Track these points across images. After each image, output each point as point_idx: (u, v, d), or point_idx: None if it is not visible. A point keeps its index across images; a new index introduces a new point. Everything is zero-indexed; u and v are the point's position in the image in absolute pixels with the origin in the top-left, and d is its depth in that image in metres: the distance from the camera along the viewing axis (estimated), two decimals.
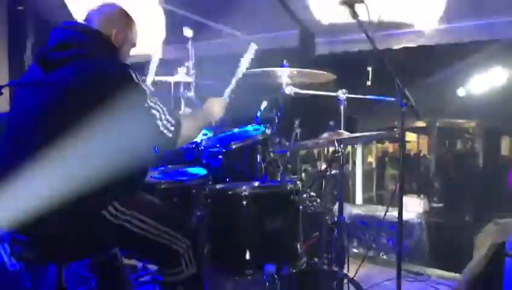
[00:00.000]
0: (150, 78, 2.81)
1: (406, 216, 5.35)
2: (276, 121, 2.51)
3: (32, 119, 1.86)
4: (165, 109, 1.90)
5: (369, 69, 4.32)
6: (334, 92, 2.53)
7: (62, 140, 1.75)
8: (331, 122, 2.21)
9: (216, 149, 2.41)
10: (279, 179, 2.24)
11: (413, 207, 7.95)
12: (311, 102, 2.81)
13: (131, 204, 1.89)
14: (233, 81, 2.34)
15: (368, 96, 2.36)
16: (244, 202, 1.96)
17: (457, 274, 3.85)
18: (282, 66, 2.55)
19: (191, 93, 2.93)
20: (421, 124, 9.65)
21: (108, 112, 1.77)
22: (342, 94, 2.35)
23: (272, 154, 2.38)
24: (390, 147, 11.01)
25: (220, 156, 2.39)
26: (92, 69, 1.84)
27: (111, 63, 1.92)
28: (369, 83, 4.23)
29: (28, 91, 1.94)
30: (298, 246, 1.96)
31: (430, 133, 9.99)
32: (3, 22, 5.81)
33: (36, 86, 1.90)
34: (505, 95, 6.57)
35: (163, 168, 2.63)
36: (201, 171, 2.43)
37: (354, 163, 9.96)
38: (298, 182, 2.06)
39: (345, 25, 4.85)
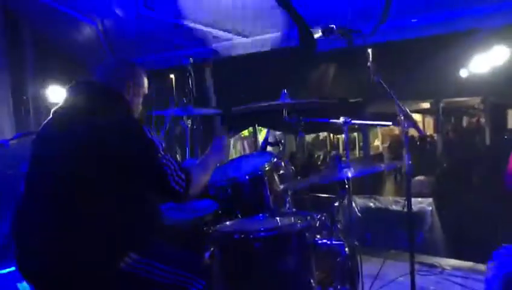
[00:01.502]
0: None
1: (416, 205, 5.39)
2: (281, 148, 2.51)
3: (46, 174, 1.90)
4: (176, 163, 1.92)
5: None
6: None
7: (76, 194, 1.81)
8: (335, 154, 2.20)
9: (224, 182, 2.42)
10: (288, 213, 2.24)
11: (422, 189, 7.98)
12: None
13: (146, 252, 1.93)
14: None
15: (370, 122, 2.35)
16: (255, 246, 1.97)
17: (472, 263, 3.88)
18: (282, 95, 2.52)
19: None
20: (425, 105, 9.63)
21: (121, 168, 1.82)
22: (344, 121, 2.32)
23: (279, 185, 2.38)
24: (396, 129, 11.00)
25: (228, 189, 2.40)
26: (104, 126, 1.87)
27: (123, 120, 1.94)
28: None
29: (43, 145, 1.99)
30: (312, 282, 1.98)
31: (434, 113, 9.96)
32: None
33: (51, 141, 1.95)
34: (507, 72, 6.52)
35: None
36: (211, 205, 2.45)
37: (360, 148, 10.01)
38: (308, 217, 2.07)
39: None
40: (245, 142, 10.80)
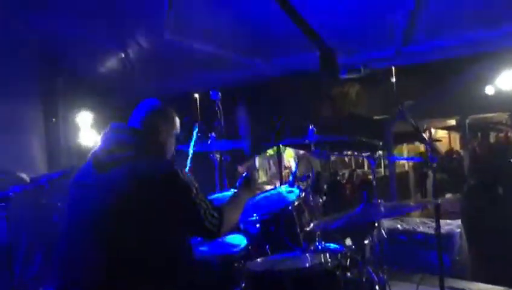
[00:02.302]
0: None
1: (444, 227, 5.30)
2: (310, 182, 2.54)
3: (85, 218, 1.97)
4: (208, 203, 1.97)
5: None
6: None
7: (112, 238, 1.88)
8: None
9: (253, 218, 2.45)
10: (318, 249, 2.24)
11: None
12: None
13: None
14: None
15: (400, 158, 2.34)
16: (286, 285, 1.99)
17: (503, 287, 3.80)
18: (309, 132, 2.55)
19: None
20: (451, 122, 9.53)
21: (156, 211, 1.89)
22: (369, 156, 2.33)
23: (308, 221, 2.40)
24: (421, 146, 10.87)
25: (257, 225, 2.43)
26: (140, 171, 1.93)
27: (158, 165, 2.00)
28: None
29: (82, 191, 2.05)
30: None
31: (461, 130, 9.82)
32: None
33: (89, 187, 2.01)
34: None
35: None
36: (241, 240, 2.47)
37: (386, 166, 9.90)
38: (339, 255, 2.08)
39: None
40: (271, 161, 10.83)
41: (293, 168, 12.54)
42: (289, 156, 11.25)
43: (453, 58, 5.10)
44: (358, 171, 10.41)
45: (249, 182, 2.26)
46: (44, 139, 6.26)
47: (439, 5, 4.24)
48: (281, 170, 10.43)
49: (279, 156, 9.47)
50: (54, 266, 2.06)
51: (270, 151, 10.23)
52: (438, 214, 2.23)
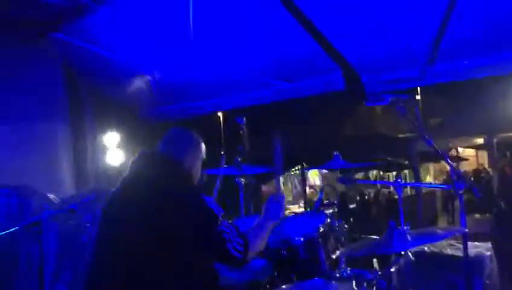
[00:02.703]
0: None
1: (473, 250, 5.17)
2: (335, 209, 2.53)
3: (112, 243, 2.02)
4: (234, 230, 2.00)
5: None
6: None
7: (140, 262, 1.92)
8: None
9: (278, 244, 2.45)
10: (344, 276, 2.23)
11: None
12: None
13: None
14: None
15: (426, 185, 2.32)
16: None
17: None
18: (335, 157, 2.55)
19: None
20: (479, 140, 9.37)
21: (183, 237, 1.93)
22: (396, 182, 2.31)
23: (334, 247, 2.39)
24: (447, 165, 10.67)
25: (282, 251, 2.43)
26: (167, 198, 1.98)
27: (184, 191, 2.04)
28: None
29: (110, 215, 2.11)
30: None
31: (488, 148, 9.64)
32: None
33: (118, 212, 2.07)
34: None
35: None
36: (266, 266, 2.47)
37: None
38: (365, 284, 2.06)
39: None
40: (295, 180, 10.84)
41: (318, 189, 12.53)
42: (314, 174, 11.25)
43: (479, 80, 5.05)
44: (384, 190, 10.31)
45: (275, 208, 2.27)
46: (72, 159, 6.39)
47: (465, 26, 4.20)
48: (305, 188, 10.43)
49: (303, 176, 9.49)
50: (83, 286, 2.11)
51: (294, 171, 10.25)
52: (466, 243, 2.20)
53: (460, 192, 2.24)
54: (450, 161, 2.28)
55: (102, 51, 5.71)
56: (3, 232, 2.35)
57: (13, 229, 2.33)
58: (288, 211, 11.77)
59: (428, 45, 4.49)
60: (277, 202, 2.30)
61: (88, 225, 3.98)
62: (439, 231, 2.12)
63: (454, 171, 2.21)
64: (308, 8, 4.43)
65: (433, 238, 2.15)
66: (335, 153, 2.68)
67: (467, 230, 2.19)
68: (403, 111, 2.20)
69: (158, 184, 2.01)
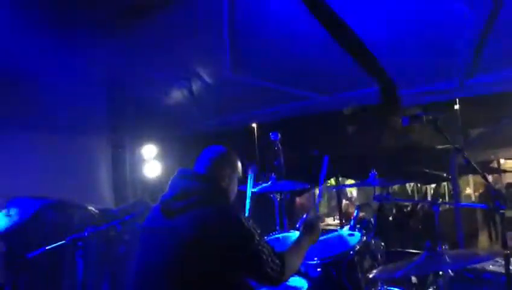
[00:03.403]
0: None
1: None
2: (371, 227, 2.51)
3: (152, 263, 2.08)
4: (271, 249, 2.02)
5: None
6: None
7: (179, 282, 1.97)
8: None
9: (314, 261, 2.45)
10: None
11: None
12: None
13: None
14: None
15: (460, 204, 2.26)
16: None
17: None
18: (370, 175, 2.54)
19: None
20: None
21: (220, 257, 1.96)
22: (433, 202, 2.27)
23: (371, 266, 2.37)
24: (489, 176, 10.34)
25: (318, 269, 2.43)
26: (205, 218, 2.02)
27: (222, 211, 2.08)
28: None
29: (150, 235, 2.18)
30: None
31: None
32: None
33: (158, 231, 2.13)
34: None
35: None
36: (302, 284, 2.47)
37: (450, 198, 9.51)
38: None
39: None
40: (331, 192, 10.76)
41: (354, 201, 12.39)
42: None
43: None
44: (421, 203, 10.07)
45: (312, 228, 2.28)
46: (111, 171, 6.57)
47: (504, 36, 4.11)
48: (340, 200, 10.33)
49: (338, 188, 9.41)
50: None
51: (330, 182, 10.18)
52: (508, 263, 2.14)
53: (502, 211, 2.18)
54: (488, 178, 2.21)
55: (141, 65, 5.87)
56: (50, 247, 2.45)
57: (58, 244, 2.43)
58: (323, 223, 11.69)
59: (468, 56, 4.41)
60: (315, 222, 2.31)
61: (126, 237, 4.07)
62: (479, 253, 2.07)
63: (494, 190, 2.15)
64: (346, 20, 4.45)
65: (472, 261, 2.09)
66: (371, 170, 2.65)
67: (508, 252, 2.13)
68: (439, 130, 2.16)
69: (195, 204, 2.05)
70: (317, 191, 3.22)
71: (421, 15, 4.10)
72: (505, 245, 2.18)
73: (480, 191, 10.13)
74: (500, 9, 3.57)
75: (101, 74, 6.34)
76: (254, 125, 6.67)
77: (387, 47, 4.60)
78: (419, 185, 11.46)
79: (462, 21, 3.90)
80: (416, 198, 10.75)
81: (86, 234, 2.49)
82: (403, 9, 4.12)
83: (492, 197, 2.17)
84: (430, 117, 2.18)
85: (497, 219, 2.25)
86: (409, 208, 9.21)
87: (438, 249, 2.06)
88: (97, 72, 6.23)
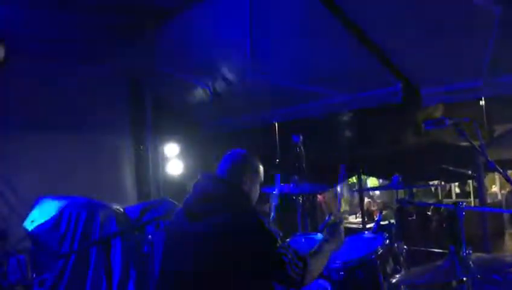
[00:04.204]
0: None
1: None
2: (393, 231, 2.50)
3: (176, 266, 2.12)
4: (293, 252, 2.03)
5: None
6: None
7: (202, 285, 2.01)
8: None
9: (337, 264, 2.46)
10: None
11: None
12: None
13: None
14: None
15: (484, 208, 2.22)
16: None
17: None
18: (393, 179, 2.52)
19: None
20: None
21: (243, 260, 1.98)
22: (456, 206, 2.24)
23: (392, 269, 2.37)
24: None
25: (341, 272, 2.43)
26: (227, 222, 2.04)
27: (244, 215, 2.10)
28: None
29: (174, 238, 2.22)
30: None
31: None
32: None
33: (181, 234, 2.17)
34: None
35: None
36: (324, 287, 2.48)
37: (476, 196, 9.36)
38: None
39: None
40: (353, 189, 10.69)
41: (376, 199, 12.28)
42: (373, 183, 11.02)
43: None
44: (446, 200, 9.93)
45: (335, 233, 2.28)
46: (134, 169, 6.67)
47: None
48: (363, 198, 10.25)
49: (360, 185, 9.34)
50: None
51: (352, 179, 10.11)
52: None
53: None
54: None
55: (164, 65, 5.94)
56: (79, 249, 2.51)
57: (86, 246, 2.49)
58: (345, 221, 11.52)
59: (491, 55, 4.33)
60: (338, 227, 2.31)
61: (150, 236, 4.13)
62: (505, 258, 2.04)
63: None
64: (365, 20, 4.43)
65: (498, 266, 2.06)
66: (394, 174, 2.63)
67: None
68: (463, 134, 2.14)
69: (218, 208, 2.09)
70: (339, 191, 3.22)
71: (445, 14, 4.05)
72: None
73: (507, 189, 9.94)
74: None
75: (124, 73, 6.46)
76: (275, 124, 6.68)
77: (410, 46, 4.56)
78: (443, 182, 11.29)
79: (487, 20, 3.84)
80: (440, 196, 10.60)
81: (112, 234, 2.53)
82: (427, 9, 4.08)
83: None
84: (453, 121, 2.15)
85: None
86: (432, 207, 9.09)
87: (462, 253, 2.04)
88: (120, 72, 6.36)
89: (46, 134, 5.50)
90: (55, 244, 3.61)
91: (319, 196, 9.16)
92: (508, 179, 2.14)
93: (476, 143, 2.35)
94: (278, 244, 2.01)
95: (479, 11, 3.90)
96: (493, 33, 4.10)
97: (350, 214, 10.93)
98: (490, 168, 2.07)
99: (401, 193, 9.48)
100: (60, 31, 4.92)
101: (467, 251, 2.09)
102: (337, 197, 3.33)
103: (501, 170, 2.14)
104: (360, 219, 9.88)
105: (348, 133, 6.80)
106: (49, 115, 5.51)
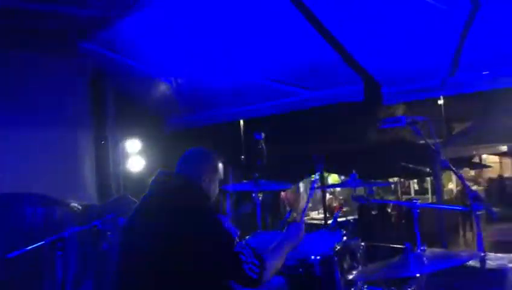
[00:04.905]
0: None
1: (495, 261, 5.09)
2: (351, 228, 2.54)
3: (131, 264, 2.08)
4: (250, 251, 2.03)
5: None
6: None
7: (156, 283, 1.97)
8: None
9: (294, 261, 2.47)
10: None
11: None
12: None
13: None
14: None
15: (437, 206, 2.30)
16: None
17: None
18: (351, 176, 2.55)
19: None
20: (502, 148, 9.21)
21: (198, 258, 1.96)
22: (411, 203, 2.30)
23: (350, 266, 2.40)
24: (471, 172, 10.52)
25: (299, 269, 2.45)
26: (186, 220, 2.01)
27: (202, 215, 2.07)
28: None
29: (130, 236, 2.17)
30: None
31: None
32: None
33: (136, 231, 2.13)
34: None
35: None
36: (282, 284, 2.49)
37: (433, 193, 9.65)
38: None
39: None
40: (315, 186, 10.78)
41: (337, 195, 12.49)
42: (334, 180, 11.20)
43: (502, 90, 4.98)
44: (405, 196, 10.20)
45: (295, 230, 2.29)
46: (94, 165, 6.50)
47: (483, 37, 4.17)
48: (324, 195, 10.39)
49: (322, 182, 9.45)
50: None
51: (314, 176, 10.19)
52: (483, 263, 2.18)
53: (478, 213, 2.22)
54: (466, 180, 2.25)
55: (126, 59, 5.82)
56: (30, 247, 2.43)
57: (38, 244, 2.42)
58: (307, 217, 11.76)
59: (450, 55, 4.46)
60: (298, 224, 2.33)
61: (109, 233, 4.04)
62: (459, 254, 2.11)
63: (471, 192, 2.19)
64: (330, 19, 4.47)
65: (452, 262, 2.13)
66: (352, 171, 2.67)
67: (482, 254, 2.17)
68: (418, 133, 2.19)
69: (176, 205, 2.06)
70: (301, 188, 3.24)
71: (404, 15, 4.13)
72: (480, 247, 2.22)
73: (458, 188, 10.32)
74: (477, 11, 3.63)
75: (85, 67, 6.29)
76: (240, 121, 6.67)
77: (370, 46, 4.63)
78: (402, 179, 11.61)
79: (443, 21, 3.94)
80: (399, 193, 10.89)
81: (67, 234, 2.47)
82: (389, 9, 4.15)
83: (469, 198, 2.21)
84: (410, 120, 2.20)
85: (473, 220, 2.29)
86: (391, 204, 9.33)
87: (417, 250, 2.09)
88: (81, 66, 6.19)
89: (0, 129, 5.30)
90: (7, 245, 3.48)
91: (282, 193, 9.25)
92: (459, 177, 2.20)
93: (432, 141, 2.41)
94: (235, 243, 2.00)
95: (440, 12, 4.00)
96: (453, 34, 4.22)
97: (312, 210, 11.09)
98: (444, 166, 2.13)
99: (361, 190, 9.66)
100: (16, 21, 4.75)
101: (421, 248, 2.14)
102: (300, 194, 3.35)
103: (453, 169, 2.20)
104: (322, 215, 10.06)
105: (311, 131, 6.87)
106: (3, 109, 5.31)
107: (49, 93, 5.78)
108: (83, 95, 6.42)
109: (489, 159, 11.15)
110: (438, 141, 2.28)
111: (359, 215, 8.24)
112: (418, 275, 2.13)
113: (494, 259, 5.14)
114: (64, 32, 5.20)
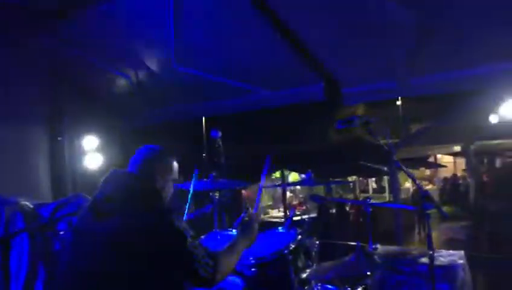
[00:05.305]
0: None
1: (446, 258, 5.25)
2: (307, 226, 2.56)
3: (79, 266, 2.01)
4: (203, 251, 2.00)
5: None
6: None
7: (106, 286, 1.92)
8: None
9: (249, 260, 2.47)
10: None
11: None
12: None
13: None
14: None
15: (390, 205, 2.35)
16: None
17: None
18: (306, 175, 2.57)
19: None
20: (456, 148, 9.52)
21: (151, 258, 1.92)
22: (365, 202, 2.35)
23: (305, 265, 2.42)
24: (426, 171, 10.85)
25: (253, 268, 2.45)
26: (135, 220, 1.96)
27: (154, 215, 2.02)
28: None
29: (79, 237, 2.10)
30: None
31: (466, 156, 9.80)
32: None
33: (87, 232, 2.06)
34: None
35: None
36: (237, 283, 2.48)
37: (391, 191, 9.86)
38: None
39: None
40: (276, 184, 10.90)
41: (297, 193, 12.60)
42: (294, 178, 11.29)
43: (454, 93, 5.15)
44: (363, 195, 10.40)
45: (248, 229, 2.28)
46: (48, 162, 6.29)
47: (441, 41, 4.29)
48: (285, 193, 10.48)
49: (283, 180, 9.53)
50: None
51: (276, 174, 10.29)
52: (432, 260, 2.24)
53: (428, 211, 2.27)
54: (418, 180, 2.31)
55: (84, 54, 5.66)
56: None
57: None
58: (267, 215, 11.85)
59: (406, 58, 4.57)
60: (251, 223, 2.31)
61: (62, 232, 3.93)
62: (411, 252, 2.16)
63: (422, 192, 2.24)
64: (291, 18, 4.49)
65: (403, 260, 2.18)
66: (308, 171, 2.69)
67: (431, 253, 2.24)
68: (371, 133, 2.23)
69: (127, 204, 2.01)
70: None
71: (365, 17, 4.20)
72: (430, 246, 2.28)
73: (414, 187, 10.62)
74: (431, 18, 3.73)
75: (41, 60, 6.08)
76: (203, 118, 6.62)
77: (331, 48, 4.69)
78: (360, 178, 11.84)
79: (401, 26, 4.04)
80: (358, 191, 11.09)
81: (12, 232, 2.37)
82: (349, 11, 4.21)
83: (420, 198, 2.26)
84: (364, 121, 2.24)
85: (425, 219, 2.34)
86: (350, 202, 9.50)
87: (369, 249, 2.12)
88: (37, 59, 5.97)
89: None
90: None
91: (243, 192, 9.26)
92: (411, 177, 2.25)
93: (385, 142, 2.46)
94: (188, 243, 1.96)
95: (395, 16, 4.09)
96: (408, 37, 4.33)
97: (272, 208, 11.16)
98: (395, 166, 2.17)
99: (320, 189, 9.83)
100: None
101: (374, 246, 2.18)
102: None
103: (405, 169, 2.25)
104: (282, 213, 10.14)
105: (272, 129, 6.90)
106: None
107: (3, 87, 5.56)
108: (38, 90, 6.22)
109: (444, 159, 11.51)
110: (391, 141, 2.32)
111: (318, 213, 8.36)
112: (368, 273, 2.16)
113: (446, 255, 5.32)
114: (18, 24, 5.02)
